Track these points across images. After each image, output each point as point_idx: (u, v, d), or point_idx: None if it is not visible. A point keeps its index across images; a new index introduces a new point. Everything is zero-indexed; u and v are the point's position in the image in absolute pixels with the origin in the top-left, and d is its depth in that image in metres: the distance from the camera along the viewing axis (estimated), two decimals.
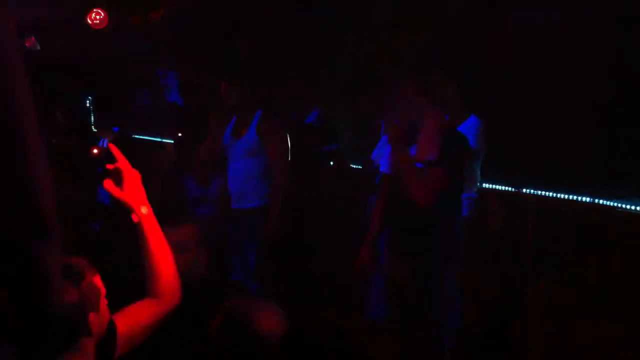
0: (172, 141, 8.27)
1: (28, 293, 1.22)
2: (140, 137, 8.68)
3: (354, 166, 5.92)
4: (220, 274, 5.38)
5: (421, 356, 4.10)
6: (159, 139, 8.68)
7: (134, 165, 2.20)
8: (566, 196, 4.67)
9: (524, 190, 4.68)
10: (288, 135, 4.41)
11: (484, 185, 4.97)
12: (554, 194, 4.74)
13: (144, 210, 2.14)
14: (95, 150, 6.23)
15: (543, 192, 4.71)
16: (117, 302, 2.07)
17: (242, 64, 6.01)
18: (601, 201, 4.67)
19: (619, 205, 4.63)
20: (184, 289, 2.25)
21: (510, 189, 4.79)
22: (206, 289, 3.17)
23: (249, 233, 4.34)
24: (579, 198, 4.76)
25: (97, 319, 1.85)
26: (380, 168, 3.82)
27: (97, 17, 6.33)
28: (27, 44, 6.98)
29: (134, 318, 2.07)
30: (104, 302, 1.94)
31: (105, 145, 7.41)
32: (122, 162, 2.14)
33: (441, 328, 3.93)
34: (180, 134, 8.15)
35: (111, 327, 1.96)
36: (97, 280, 1.92)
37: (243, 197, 4.34)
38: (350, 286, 5.13)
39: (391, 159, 3.71)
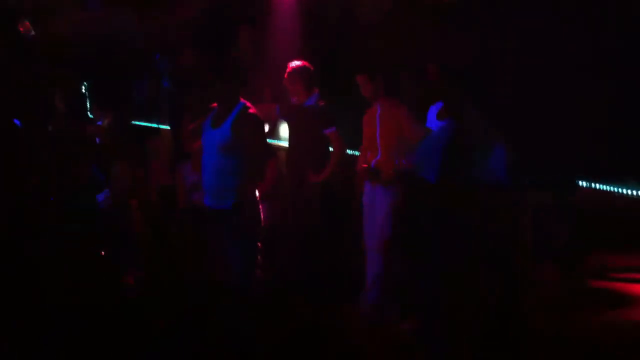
0: (169, 127, 8.31)
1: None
2: (137, 122, 8.69)
3: (351, 152, 5.96)
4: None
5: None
6: (155, 125, 8.71)
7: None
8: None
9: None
10: (265, 129, 4.36)
11: None
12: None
13: None
14: None
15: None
16: None
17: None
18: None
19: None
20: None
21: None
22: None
23: (225, 234, 4.24)
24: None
25: None
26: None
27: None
28: (21, 29, 6.98)
29: None
30: None
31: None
32: None
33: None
34: (175, 119, 8.19)
35: None
36: None
37: (217, 197, 4.25)
38: (347, 275, 5.20)
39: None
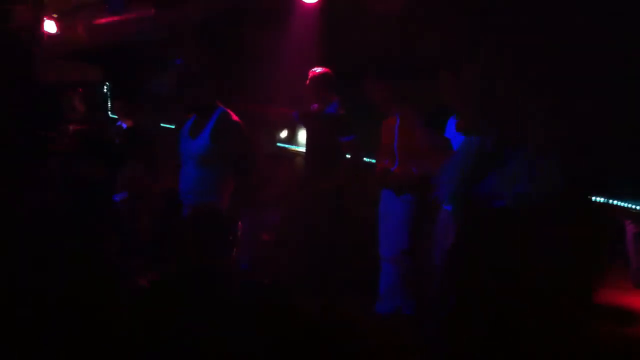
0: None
1: None
2: (159, 125, 8.74)
3: (367, 159, 5.92)
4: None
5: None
6: (173, 127, 8.74)
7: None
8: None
9: None
10: (244, 134, 4.28)
11: None
12: None
13: None
14: None
15: None
16: None
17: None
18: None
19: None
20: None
21: None
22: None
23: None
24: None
25: None
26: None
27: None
28: (45, 29, 7.04)
29: None
30: None
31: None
32: None
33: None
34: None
35: None
36: None
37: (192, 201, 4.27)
38: (361, 279, 5.16)
39: None
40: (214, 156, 4.06)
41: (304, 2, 5.64)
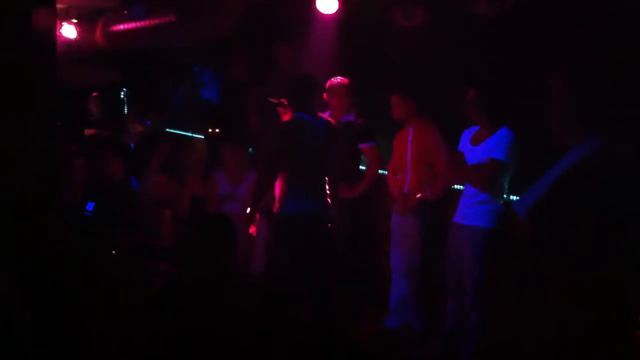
0: (203, 137, 8.38)
1: None
2: (172, 130, 8.78)
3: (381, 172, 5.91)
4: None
5: None
6: (189, 134, 8.79)
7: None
8: None
9: None
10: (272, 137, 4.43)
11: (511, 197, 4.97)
12: None
13: None
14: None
15: None
16: None
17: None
18: None
19: None
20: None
21: None
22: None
23: None
24: None
25: None
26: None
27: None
28: (63, 33, 7.11)
29: None
30: None
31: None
32: None
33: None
34: (211, 130, 8.25)
35: None
36: None
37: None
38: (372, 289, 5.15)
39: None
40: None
41: (323, 14, 5.65)
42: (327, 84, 5.19)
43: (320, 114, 4.53)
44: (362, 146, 5.22)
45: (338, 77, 5.21)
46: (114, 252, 4.86)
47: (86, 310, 3.09)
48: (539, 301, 3.31)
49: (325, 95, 5.17)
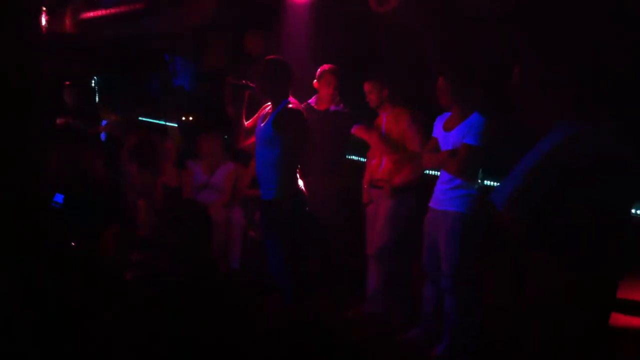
0: (177, 125, 8.33)
1: None
2: (145, 119, 8.71)
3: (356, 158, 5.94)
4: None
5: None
6: (163, 122, 8.73)
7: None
8: None
9: None
10: (303, 129, 4.25)
11: (485, 182, 5.03)
12: None
13: None
14: None
15: None
16: None
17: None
18: None
19: None
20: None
21: None
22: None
23: (264, 225, 4.32)
24: None
25: None
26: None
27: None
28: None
29: None
30: None
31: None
32: None
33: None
34: (184, 118, 8.20)
35: None
36: None
37: (261, 187, 4.32)
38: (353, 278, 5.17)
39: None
40: (275, 140, 4.15)
41: (295, 1, 5.64)
42: (318, 71, 5.13)
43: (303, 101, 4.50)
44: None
45: (327, 65, 5.14)
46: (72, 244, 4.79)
47: (86, 310, 3.08)
48: (536, 300, 3.32)
49: (315, 83, 5.13)
